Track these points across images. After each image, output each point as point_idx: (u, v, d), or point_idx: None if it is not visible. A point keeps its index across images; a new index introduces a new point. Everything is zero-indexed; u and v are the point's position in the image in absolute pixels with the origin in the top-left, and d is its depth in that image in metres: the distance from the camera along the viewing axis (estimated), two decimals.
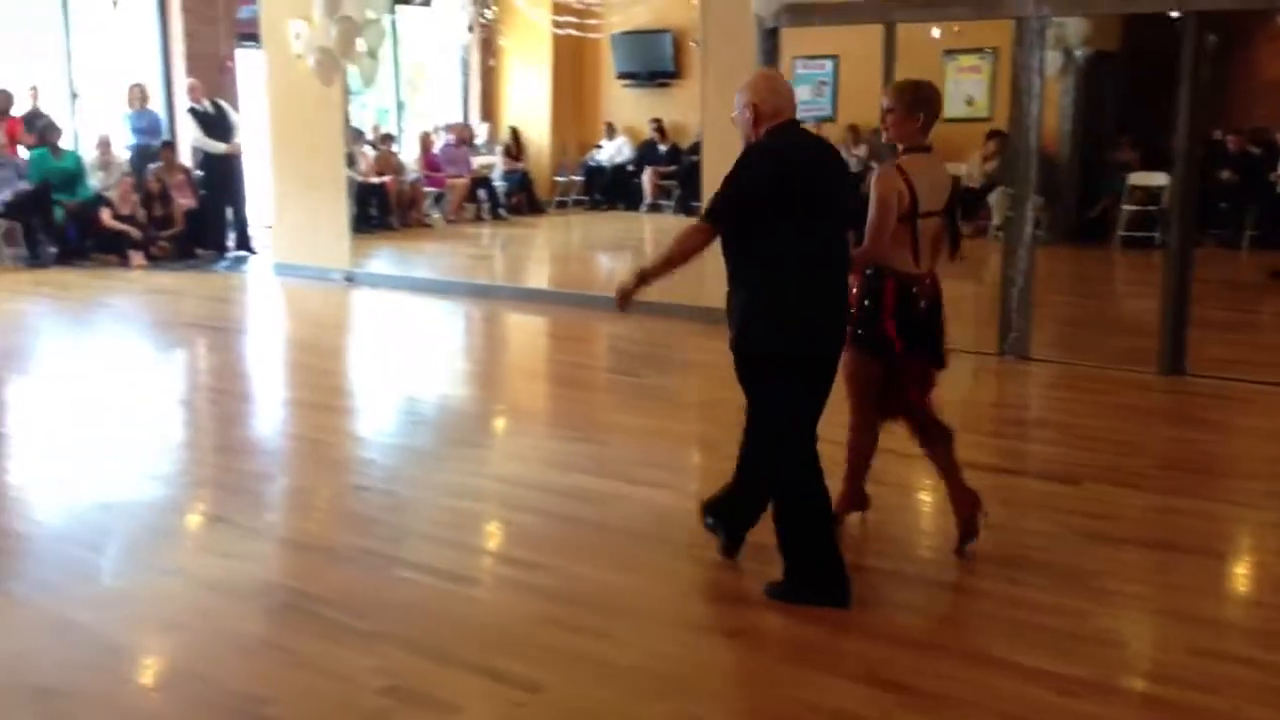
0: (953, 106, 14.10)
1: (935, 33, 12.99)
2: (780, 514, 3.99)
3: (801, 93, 14.47)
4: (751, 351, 3.89)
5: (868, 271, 4.24)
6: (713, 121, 8.88)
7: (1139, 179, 12.76)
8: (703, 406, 6.94)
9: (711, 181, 8.86)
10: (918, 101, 4.22)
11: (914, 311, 4.25)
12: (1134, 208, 12.83)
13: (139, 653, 3.69)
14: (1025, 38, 7.50)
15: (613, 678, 3.44)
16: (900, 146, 4.28)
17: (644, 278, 3.96)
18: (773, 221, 3.76)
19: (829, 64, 14.41)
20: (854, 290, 4.20)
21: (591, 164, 16.92)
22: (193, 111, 12.47)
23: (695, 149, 14.90)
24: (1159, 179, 12.20)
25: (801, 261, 3.82)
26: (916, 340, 4.28)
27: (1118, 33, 13.08)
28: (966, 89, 13.98)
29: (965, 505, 4.39)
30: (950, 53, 13.76)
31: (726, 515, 4.28)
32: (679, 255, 3.91)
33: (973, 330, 8.60)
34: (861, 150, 14.24)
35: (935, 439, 4.45)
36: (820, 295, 3.86)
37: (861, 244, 4.16)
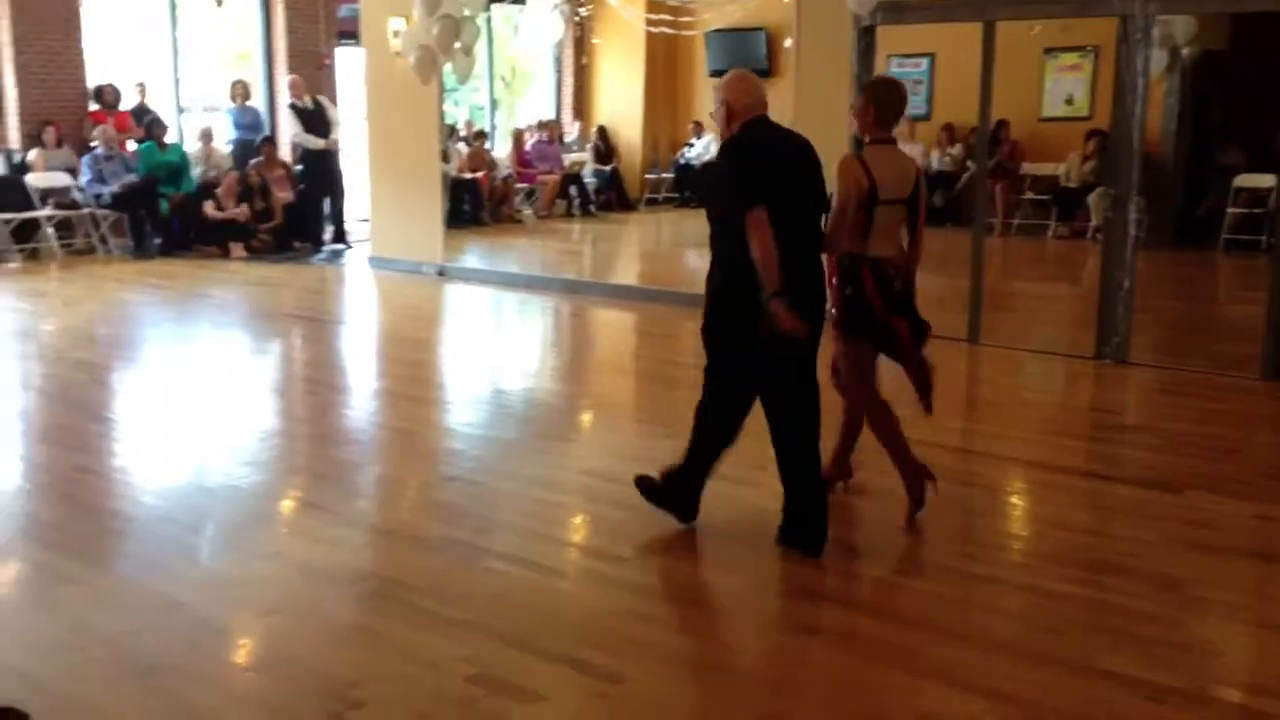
0: (1052, 105, 13.86)
1: (1035, 30, 12.75)
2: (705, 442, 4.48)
3: None
4: (728, 328, 4.21)
5: (844, 262, 4.52)
6: (806, 120, 8.83)
7: (1245, 181, 12.39)
8: None
9: None
10: (873, 99, 4.56)
11: (892, 291, 4.54)
12: (1240, 210, 12.47)
13: (237, 634, 3.79)
14: (1130, 35, 7.34)
15: (697, 673, 3.45)
16: (866, 139, 4.61)
17: (776, 297, 4.03)
18: (768, 205, 4.03)
19: (925, 62, 14.24)
20: (833, 280, 4.54)
21: (682, 162, 16.93)
22: (294, 108, 12.75)
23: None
24: (1267, 181, 11.84)
25: (795, 240, 4.09)
26: (900, 311, 4.58)
27: (1225, 31, 12.71)
28: (1066, 87, 13.72)
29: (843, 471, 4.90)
30: (1050, 51, 13.51)
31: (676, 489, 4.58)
32: (768, 252, 4.04)
33: (1068, 333, 8.45)
34: (956, 150, 14.05)
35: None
36: (792, 276, 4.07)
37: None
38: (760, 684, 3.41)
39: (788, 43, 12.95)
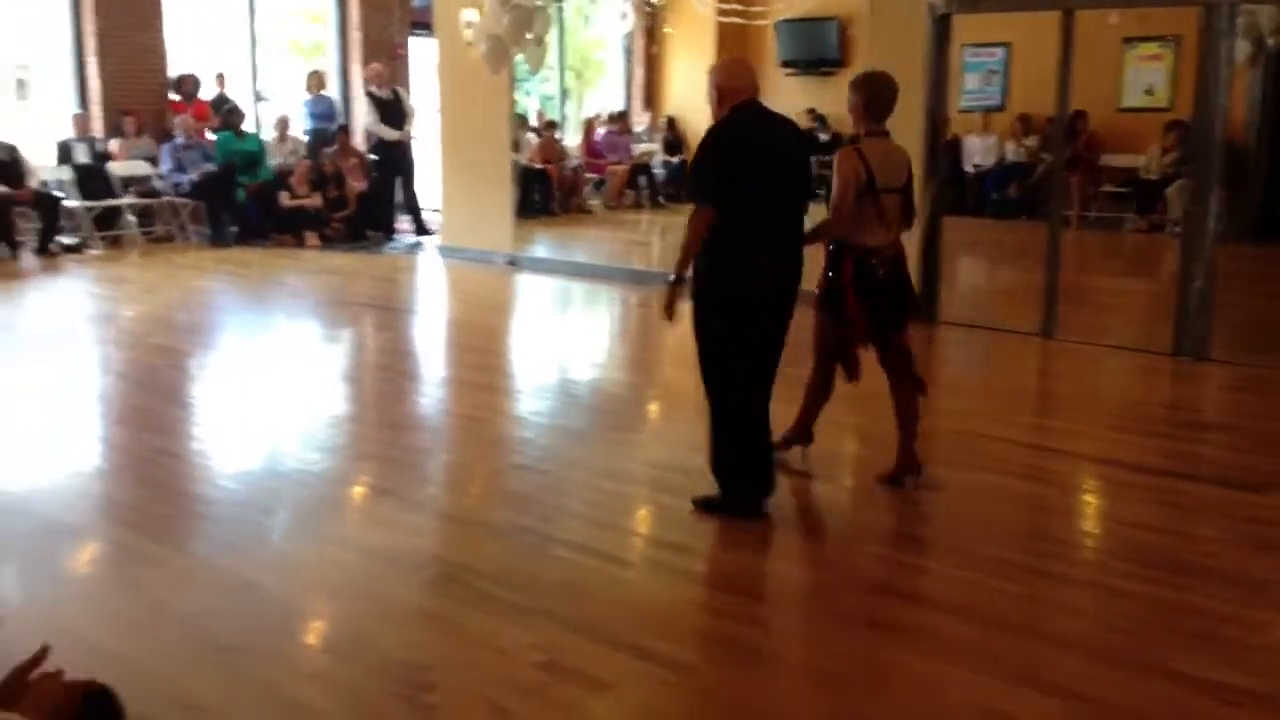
0: (1131, 96, 13.59)
1: (1114, 19, 12.52)
2: (727, 435, 4.58)
3: (969, 81, 14.22)
4: (725, 293, 4.40)
5: (830, 248, 4.84)
6: None
7: None
8: (854, 397, 6.85)
9: None
10: (864, 93, 4.84)
11: (873, 280, 4.80)
12: None
13: (311, 616, 3.86)
14: (1214, 25, 7.18)
15: (765, 665, 3.45)
16: (860, 132, 4.87)
17: (677, 281, 4.45)
18: (737, 188, 4.31)
19: (1000, 52, 14.03)
20: (824, 262, 4.90)
21: None
22: (371, 96, 12.85)
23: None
24: None
25: (759, 223, 4.36)
26: (875, 305, 4.83)
27: None
28: (1146, 78, 13.45)
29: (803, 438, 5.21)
30: (1130, 40, 13.25)
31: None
32: (693, 243, 4.38)
33: (1145, 328, 8.30)
34: (1032, 141, 13.84)
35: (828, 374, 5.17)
36: (774, 249, 4.42)
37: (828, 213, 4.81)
38: (827, 678, 3.40)
39: (860, 32, 12.83)
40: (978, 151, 14.27)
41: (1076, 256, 11.32)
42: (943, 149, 8.65)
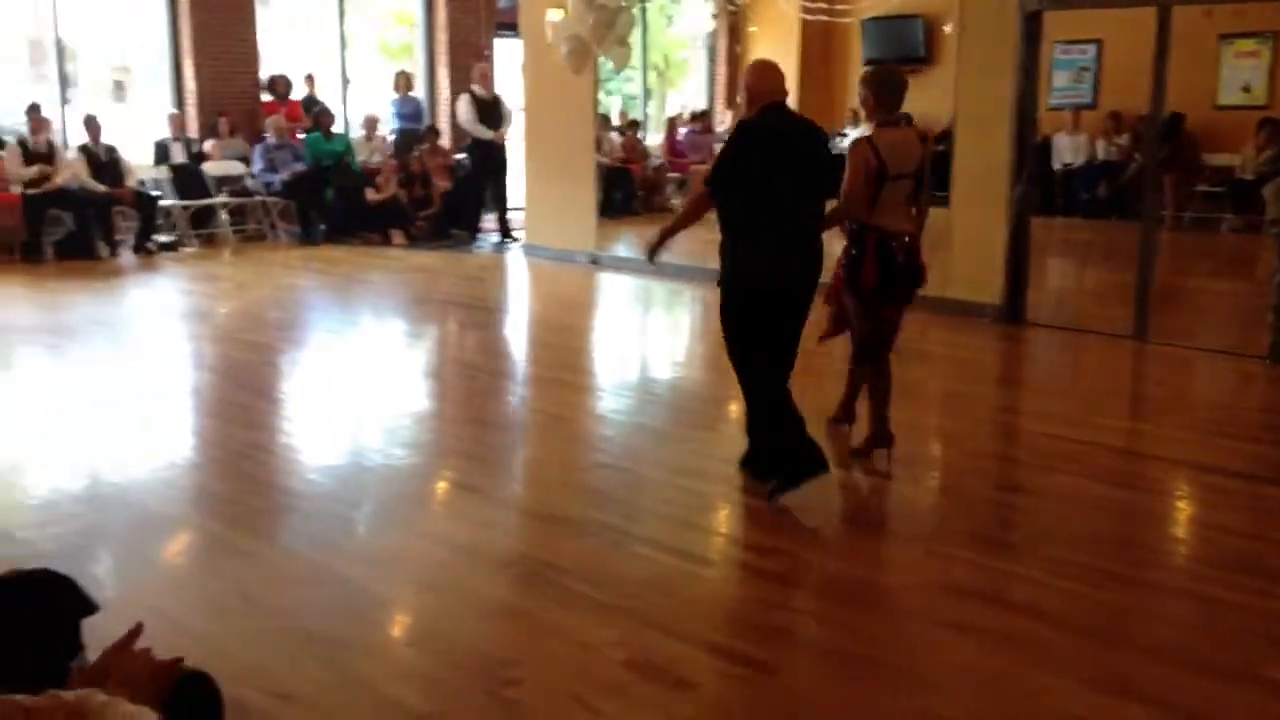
0: (1228, 93, 13.25)
1: (1210, 15, 12.21)
2: (765, 424, 4.86)
3: (1059, 78, 13.97)
4: (737, 288, 4.72)
5: (853, 228, 5.12)
6: (966, 109, 8.67)
7: None
8: (943, 399, 6.81)
9: (964, 170, 8.69)
10: (873, 87, 5.10)
11: (892, 263, 5.06)
12: None
13: (397, 609, 3.93)
14: None
15: (850, 668, 3.44)
16: (873, 123, 5.11)
17: (664, 235, 5.04)
18: (753, 187, 4.59)
19: (1091, 49, 13.76)
20: (845, 242, 5.20)
21: (835, 151, 16.72)
22: (473, 95, 12.93)
23: (942, 137, 14.53)
24: None
25: (771, 222, 4.63)
26: (892, 286, 5.12)
27: None
28: (1243, 75, 13.10)
29: (881, 437, 5.24)
30: (1226, 37, 12.91)
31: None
32: (689, 216, 4.98)
33: (1241, 332, 8.10)
34: (1124, 139, 13.56)
35: (875, 362, 5.35)
36: (786, 249, 4.69)
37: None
38: (909, 680, 3.38)
39: (948, 28, 12.69)
40: (1067, 150, 14.01)
41: (1170, 257, 11.08)
42: (1032, 148, 8.52)
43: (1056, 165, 13.99)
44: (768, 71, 4.86)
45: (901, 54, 16.05)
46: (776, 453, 4.82)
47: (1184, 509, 4.99)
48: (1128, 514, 4.79)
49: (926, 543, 4.36)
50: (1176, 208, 12.82)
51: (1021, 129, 8.30)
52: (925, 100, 15.96)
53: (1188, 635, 3.65)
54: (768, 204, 4.62)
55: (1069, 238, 12.86)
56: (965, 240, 8.66)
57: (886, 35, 15.94)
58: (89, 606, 2.52)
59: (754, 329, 4.75)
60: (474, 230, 13.07)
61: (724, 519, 4.82)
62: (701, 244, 13.30)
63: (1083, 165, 13.90)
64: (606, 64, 11.05)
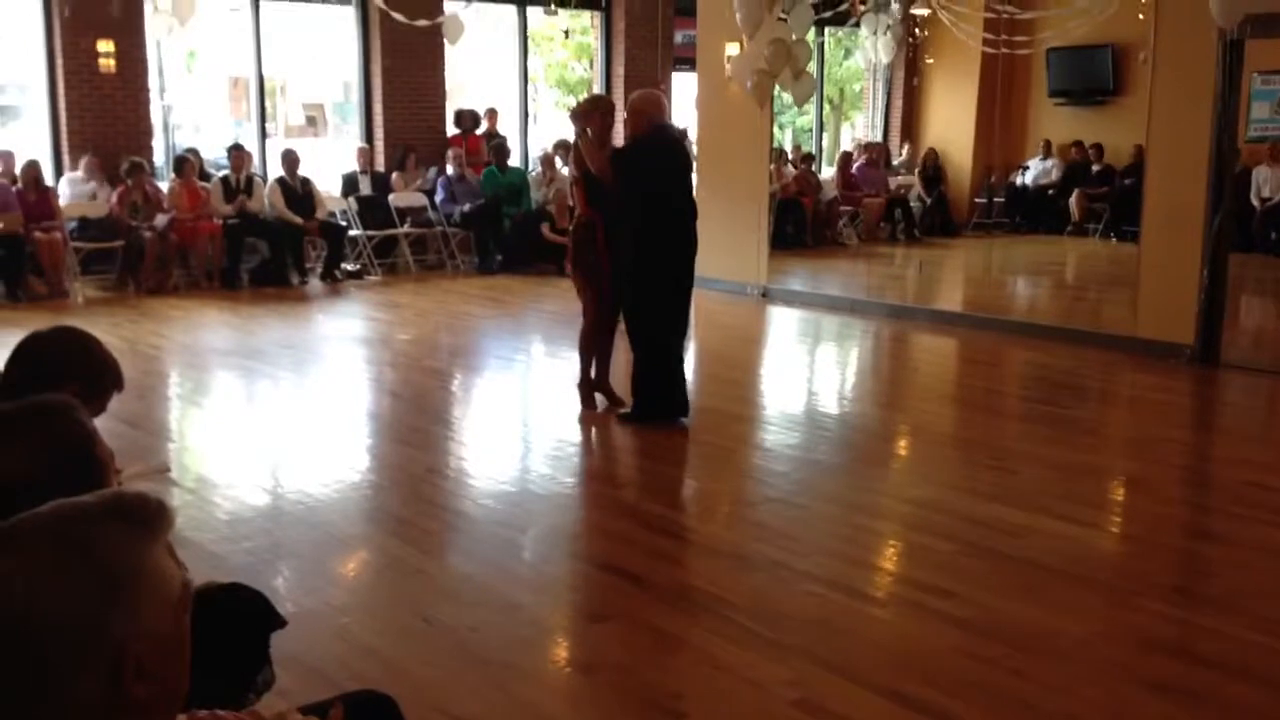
0: None
1: None
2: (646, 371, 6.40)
3: (1258, 110, 13.28)
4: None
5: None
6: (1159, 141, 8.33)
7: None
8: (1128, 442, 6.51)
9: (1155, 203, 8.33)
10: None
11: None
12: None
13: (567, 636, 3.95)
14: None
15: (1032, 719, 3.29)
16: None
17: None
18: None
19: None
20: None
21: (1018, 185, 16.27)
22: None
23: (1129, 170, 13.98)
24: None
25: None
26: None
27: None
28: None
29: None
30: None
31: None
32: None
33: None
34: None
35: None
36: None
37: None
38: None
39: (1141, 58, 12.22)
40: (1267, 183, 13.31)
41: None
42: (1231, 181, 8.12)
43: (1254, 200, 13.30)
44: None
45: (1088, 85, 15.57)
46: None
47: None
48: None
49: (1116, 592, 4.15)
50: None
51: (1219, 162, 7.91)
52: (1112, 133, 15.53)
53: None
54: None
55: (1268, 275, 12.19)
56: (1156, 277, 8.30)
57: (1073, 66, 15.47)
58: (278, 621, 2.60)
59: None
60: None
61: (899, 558, 4.69)
62: (878, 278, 13.17)
63: None
64: (783, 96, 11.01)
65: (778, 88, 10.55)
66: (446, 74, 13.47)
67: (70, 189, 11.15)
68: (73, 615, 1.23)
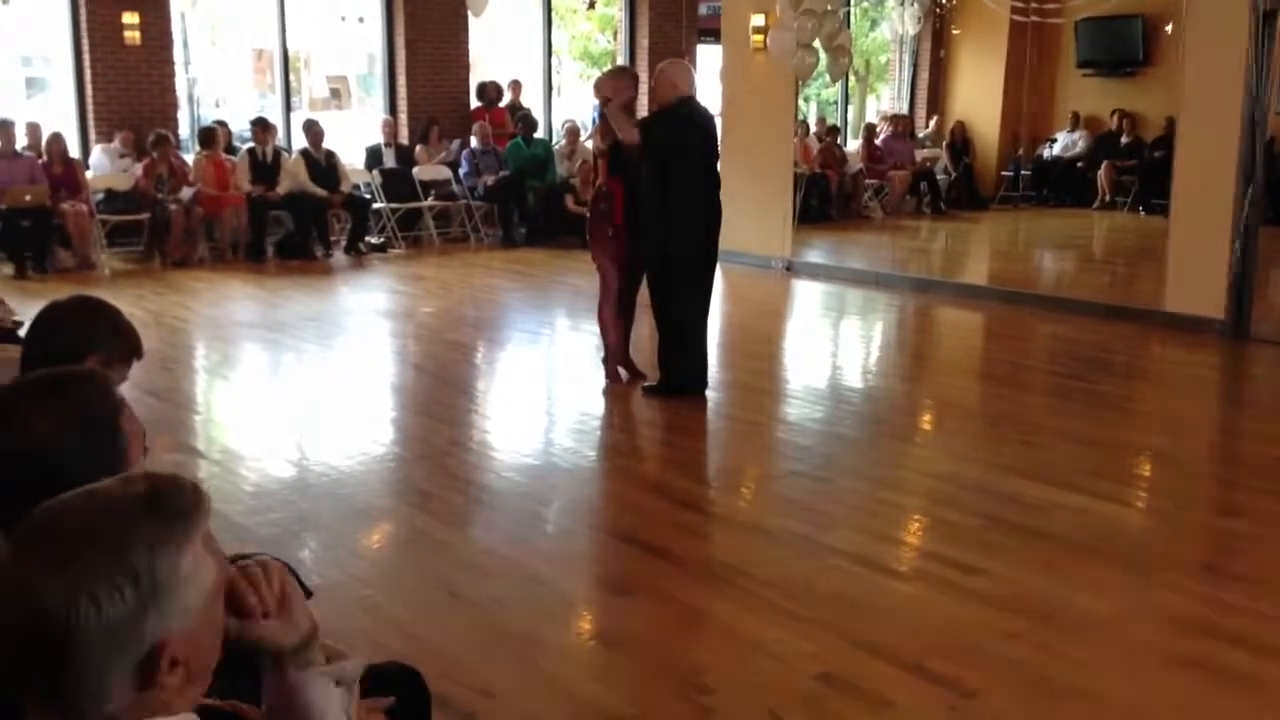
0: None
1: None
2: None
3: None
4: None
5: None
6: (1191, 113, 8.22)
7: None
8: (1156, 417, 6.45)
9: (1186, 176, 8.23)
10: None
11: None
12: None
13: (592, 610, 3.96)
14: None
15: (1058, 696, 3.27)
16: None
17: None
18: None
19: None
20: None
21: (1046, 157, 16.10)
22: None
23: (1159, 142, 13.81)
24: None
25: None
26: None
27: None
28: None
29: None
30: None
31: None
32: None
33: None
34: None
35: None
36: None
37: None
38: (1121, 715, 3.18)
39: (1169, 29, 12.08)
40: None
41: None
42: (1263, 153, 8.00)
43: None
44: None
45: (1117, 56, 15.38)
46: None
47: None
48: None
49: (1143, 568, 4.12)
50: None
51: (1250, 134, 7.80)
52: (1142, 104, 15.33)
53: None
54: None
55: None
56: (1186, 250, 8.21)
57: (1102, 36, 15.28)
58: (304, 592, 2.60)
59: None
60: None
61: (925, 534, 4.67)
62: (903, 252, 13.08)
63: None
64: (825, 74, 10.92)
65: (823, 61, 10.45)
66: (470, 46, 13.43)
67: (106, 161, 11.21)
68: (110, 621, 1.23)
